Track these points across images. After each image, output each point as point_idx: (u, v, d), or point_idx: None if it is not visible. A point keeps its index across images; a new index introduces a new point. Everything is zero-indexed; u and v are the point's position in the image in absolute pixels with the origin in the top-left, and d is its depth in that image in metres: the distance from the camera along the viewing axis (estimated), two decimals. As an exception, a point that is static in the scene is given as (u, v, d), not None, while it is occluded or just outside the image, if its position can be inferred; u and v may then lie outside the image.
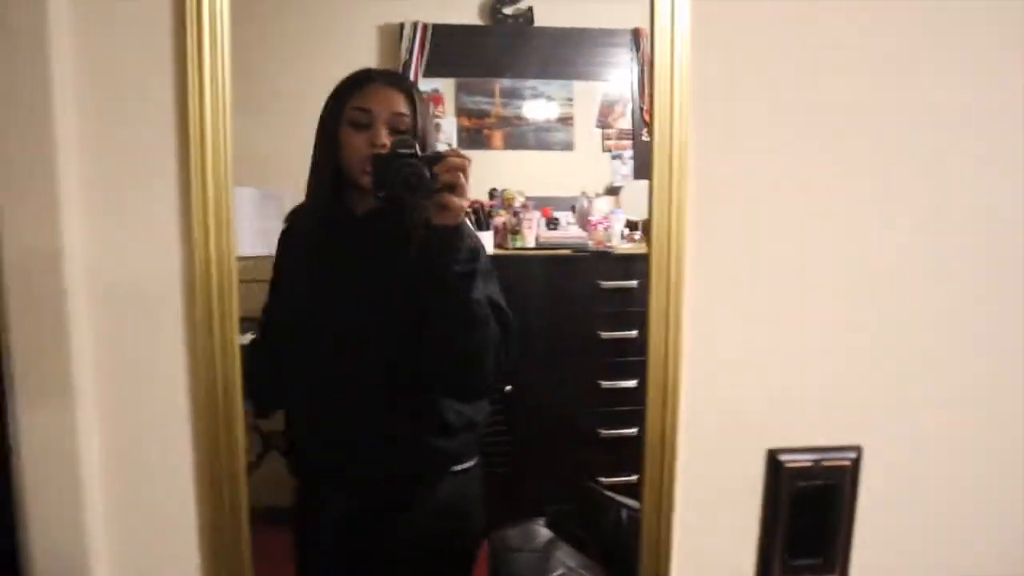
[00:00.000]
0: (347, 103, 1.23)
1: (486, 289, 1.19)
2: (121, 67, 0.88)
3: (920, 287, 1.06)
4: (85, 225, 0.89)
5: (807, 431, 1.03)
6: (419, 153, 1.11)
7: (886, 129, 1.02)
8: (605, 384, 1.62)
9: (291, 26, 1.46)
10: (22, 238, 0.86)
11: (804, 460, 1.01)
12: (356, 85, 1.25)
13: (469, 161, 1.11)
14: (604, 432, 1.61)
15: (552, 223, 1.64)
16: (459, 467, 1.33)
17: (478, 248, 1.18)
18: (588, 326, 1.63)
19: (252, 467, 1.47)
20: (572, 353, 1.66)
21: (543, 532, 1.57)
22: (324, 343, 1.27)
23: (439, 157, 1.11)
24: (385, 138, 1.20)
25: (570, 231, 1.64)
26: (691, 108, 0.95)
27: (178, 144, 0.89)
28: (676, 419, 0.98)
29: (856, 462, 1.03)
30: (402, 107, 1.22)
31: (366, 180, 1.13)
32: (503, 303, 1.22)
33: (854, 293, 1.04)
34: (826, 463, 1.01)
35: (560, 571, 1.47)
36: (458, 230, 1.13)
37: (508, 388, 1.47)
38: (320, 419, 1.29)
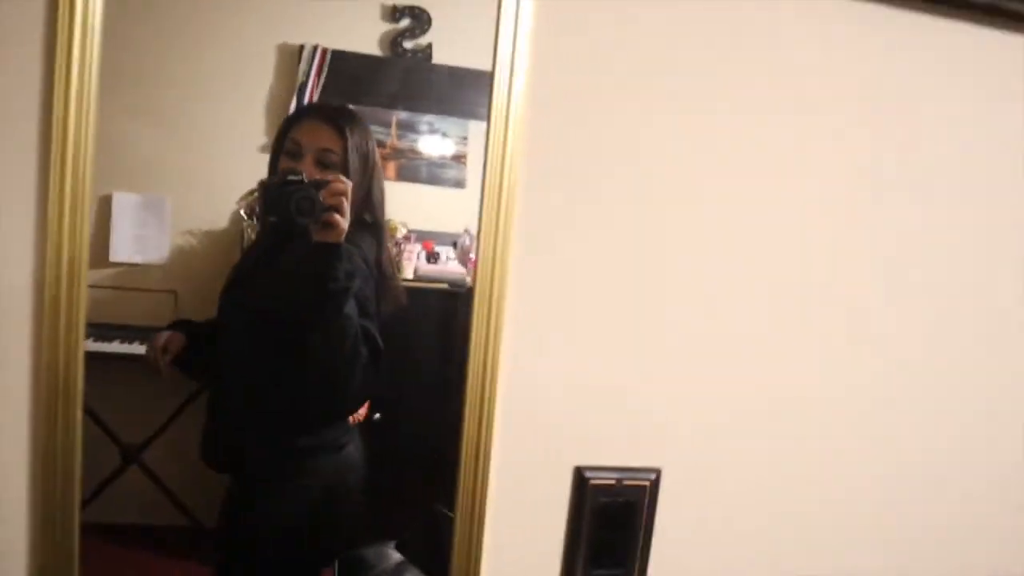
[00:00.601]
0: (286, 134, 1.40)
1: (363, 319, 1.34)
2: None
3: (715, 325, 1.26)
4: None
5: (612, 453, 1.21)
6: (304, 180, 1.26)
7: (706, 167, 1.22)
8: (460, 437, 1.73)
9: (190, 36, 1.52)
10: None
11: (608, 478, 1.19)
12: (295, 118, 1.44)
13: (350, 187, 1.27)
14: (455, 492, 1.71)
15: (432, 257, 1.74)
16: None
17: (353, 275, 1.32)
18: (456, 361, 1.73)
19: (107, 482, 1.58)
20: (437, 387, 1.72)
21: (394, 555, 1.69)
22: (229, 341, 1.44)
23: (323, 183, 1.27)
24: (312, 171, 1.34)
25: (449, 266, 1.72)
26: (523, 154, 1.15)
27: (39, 144, 1.00)
28: (491, 434, 1.14)
29: (655, 483, 1.22)
30: (330, 142, 1.37)
31: None
32: (376, 335, 1.36)
33: (657, 331, 1.23)
34: (628, 482, 1.20)
35: (406, 591, 1.62)
36: (337, 248, 1.28)
37: (377, 416, 1.62)
38: (212, 404, 1.48)
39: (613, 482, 1.19)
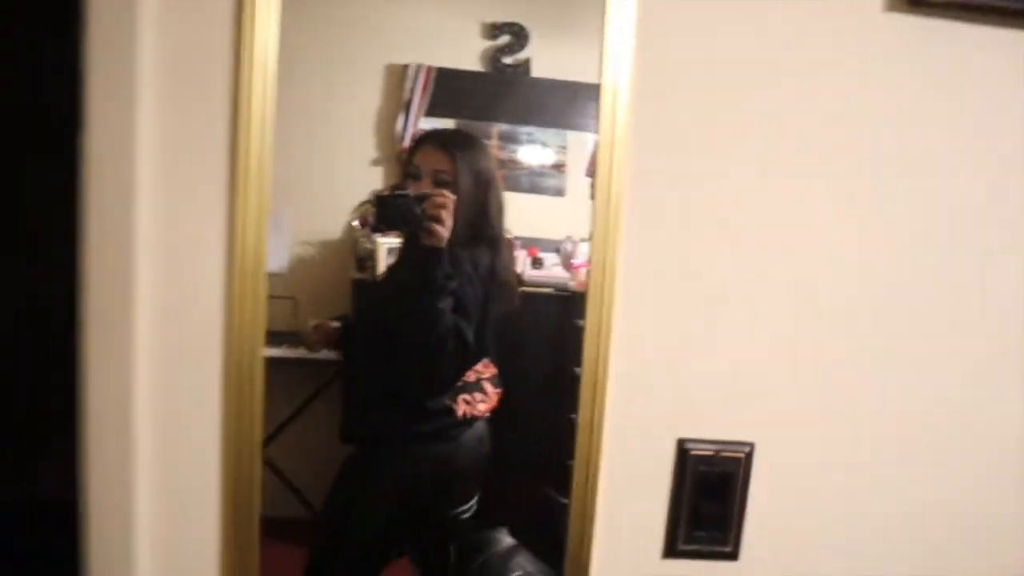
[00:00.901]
0: (410, 159, 1.64)
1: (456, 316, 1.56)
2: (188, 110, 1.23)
3: (807, 314, 1.42)
4: (151, 234, 1.23)
5: (711, 427, 1.39)
6: (410, 194, 1.51)
7: (801, 171, 1.38)
8: (576, 417, 1.88)
9: (307, 59, 1.65)
10: (101, 250, 1.19)
11: (706, 449, 1.38)
12: (415, 145, 1.67)
13: (452, 200, 1.50)
14: (572, 463, 1.86)
15: (537, 263, 1.85)
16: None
17: (452, 277, 1.54)
18: (563, 361, 1.75)
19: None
20: (546, 385, 1.87)
21: (506, 539, 1.86)
22: (356, 335, 1.72)
23: (426, 196, 1.50)
24: (429, 189, 1.56)
25: (554, 272, 1.84)
26: (628, 166, 1.33)
27: (228, 174, 1.24)
28: (603, 410, 1.35)
29: (749, 455, 1.40)
30: (442, 164, 1.60)
31: None
32: (467, 333, 1.58)
33: (752, 321, 1.40)
34: (724, 453, 1.38)
35: (519, 572, 1.78)
36: (438, 252, 1.51)
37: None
38: (348, 390, 1.76)
39: (711, 453, 1.38)
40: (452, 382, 1.66)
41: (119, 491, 1.24)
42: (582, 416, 1.35)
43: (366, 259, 2.06)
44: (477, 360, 1.64)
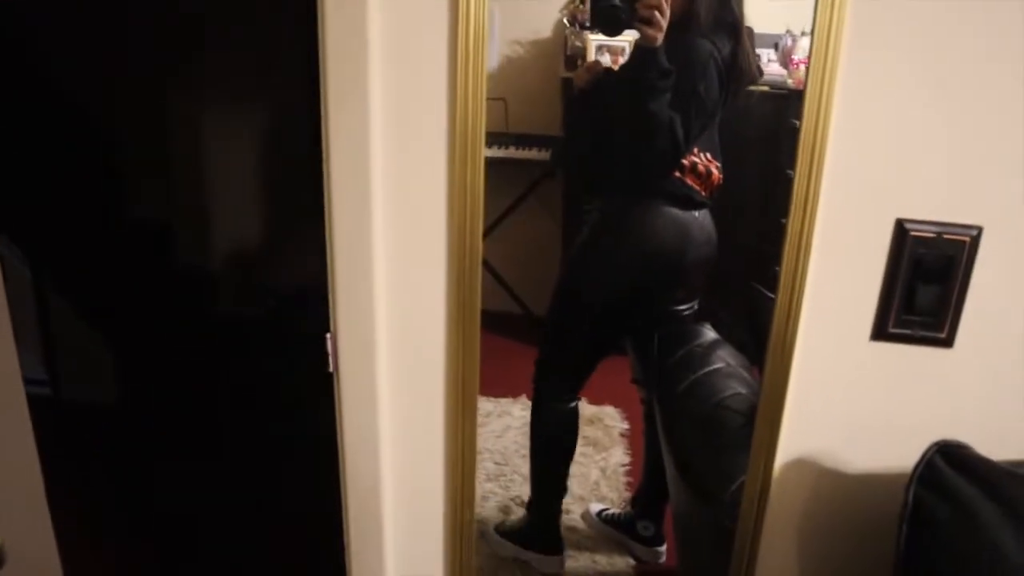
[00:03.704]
0: None
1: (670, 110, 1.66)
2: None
3: None
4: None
5: (934, 208, 1.36)
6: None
7: None
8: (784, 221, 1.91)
9: None
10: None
11: (928, 231, 1.36)
12: None
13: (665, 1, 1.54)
14: (776, 268, 1.90)
15: None
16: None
17: (668, 75, 1.63)
18: (776, 162, 1.74)
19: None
20: (758, 185, 1.93)
21: (709, 333, 1.96)
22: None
23: None
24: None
25: (771, 68, 1.85)
26: None
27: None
28: (820, 182, 1.35)
29: (975, 240, 1.35)
30: None
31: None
32: (678, 133, 1.69)
33: (981, 96, 1.32)
34: (947, 236, 1.35)
35: (719, 364, 1.87)
36: (651, 52, 1.59)
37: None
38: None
39: (933, 235, 1.35)
40: (665, 170, 1.80)
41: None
42: (797, 185, 1.37)
43: (576, 57, 2.11)
44: (689, 149, 1.76)
